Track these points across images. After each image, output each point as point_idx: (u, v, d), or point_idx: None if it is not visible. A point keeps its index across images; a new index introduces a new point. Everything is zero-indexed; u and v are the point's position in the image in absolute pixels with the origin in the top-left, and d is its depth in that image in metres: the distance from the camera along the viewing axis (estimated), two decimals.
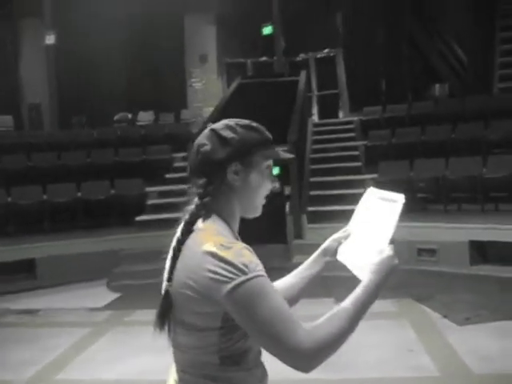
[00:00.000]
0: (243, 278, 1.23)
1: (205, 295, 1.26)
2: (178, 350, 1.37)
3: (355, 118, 11.64)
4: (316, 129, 11.72)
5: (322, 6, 12.22)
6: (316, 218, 8.37)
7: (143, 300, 4.89)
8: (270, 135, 1.44)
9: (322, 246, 1.68)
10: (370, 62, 12.81)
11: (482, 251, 7.22)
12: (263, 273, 1.27)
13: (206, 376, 1.32)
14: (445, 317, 5.37)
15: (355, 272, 1.47)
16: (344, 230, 1.65)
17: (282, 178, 11.70)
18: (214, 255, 1.26)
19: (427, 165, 8.82)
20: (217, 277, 1.24)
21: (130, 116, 12.49)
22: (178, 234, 1.38)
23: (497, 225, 7.18)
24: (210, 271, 1.25)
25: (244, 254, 1.27)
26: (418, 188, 8.69)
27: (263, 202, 1.46)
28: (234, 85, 10.52)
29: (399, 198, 1.47)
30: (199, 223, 1.36)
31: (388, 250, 1.40)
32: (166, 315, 1.33)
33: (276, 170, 11.78)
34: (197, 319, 1.29)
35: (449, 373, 4.18)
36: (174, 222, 1.45)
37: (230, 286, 1.23)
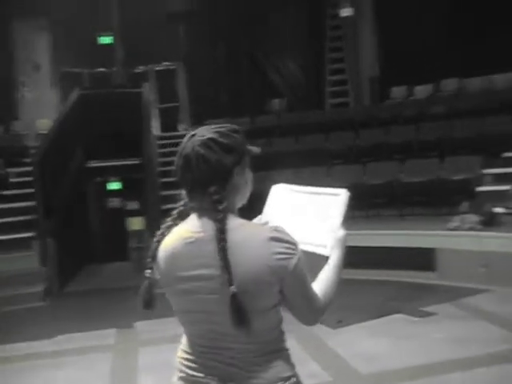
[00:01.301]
0: (299, 251, 1.52)
1: (278, 274, 1.48)
2: (243, 338, 1.48)
3: None
4: (160, 142, 11.48)
5: (163, 17, 12.05)
6: None
7: None
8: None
9: None
10: (211, 75, 12.92)
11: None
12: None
13: (272, 352, 1.54)
14: (321, 323, 5.51)
15: (315, 250, 1.71)
16: (259, 218, 1.80)
17: (123, 193, 11.33)
18: (277, 239, 1.48)
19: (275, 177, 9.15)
20: (284, 256, 1.48)
21: None
22: (214, 240, 1.47)
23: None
24: (279, 253, 1.47)
25: (288, 232, 1.52)
26: None
27: None
28: (73, 96, 9.87)
29: (342, 192, 1.75)
30: (230, 224, 1.49)
31: (342, 230, 1.70)
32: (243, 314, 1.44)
33: (116, 186, 11.37)
34: (269, 300, 1.50)
35: (340, 377, 4.27)
36: None
37: (294, 260, 1.49)
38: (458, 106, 10.43)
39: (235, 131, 1.56)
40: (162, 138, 11.80)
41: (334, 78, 13.13)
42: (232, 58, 13.13)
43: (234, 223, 1.51)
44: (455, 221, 6.82)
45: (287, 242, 1.49)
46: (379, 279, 6.90)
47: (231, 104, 12.67)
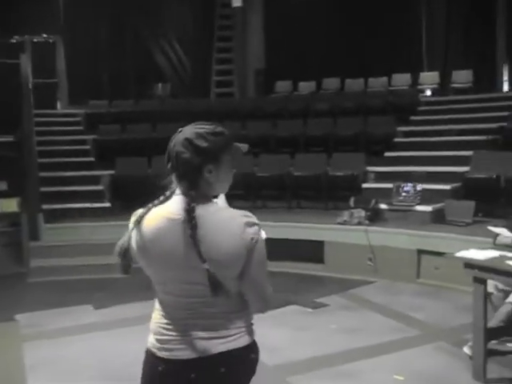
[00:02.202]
0: (262, 233, 1.82)
1: (249, 249, 1.77)
2: (220, 301, 1.80)
3: (79, 111, 10.97)
4: (36, 119, 10.64)
5: None
6: (54, 217, 7.59)
7: None
8: (231, 134, 1.85)
9: None
10: (92, 52, 12.22)
11: None
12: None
13: (242, 309, 1.88)
14: None
15: None
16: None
17: None
18: (249, 223, 1.78)
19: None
20: (254, 236, 1.77)
21: None
22: (186, 220, 1.75)
23: None
24: (251, 233, 1.77)
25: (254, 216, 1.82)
26: (159, 185, 8.60)
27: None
28: None
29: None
30: (209, 209, 1.80)
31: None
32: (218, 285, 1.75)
33: None
34: (236, 271, 1.79)
35: None
36: None
37: (260, 239, 1.79)
38: (341, 105, 10.83)
39: (215, 133, 1.80)
40: (36, 116, 10.98)
41: (221, 67, 13.06)
42: (116, 35, 12.53)
43: (212, 208, 1.81)
44: (344, 215, 7.05)
45: (256, 224, 1.79)
46: (270, 271, 6.93)
47: (113, 85, 12.10)
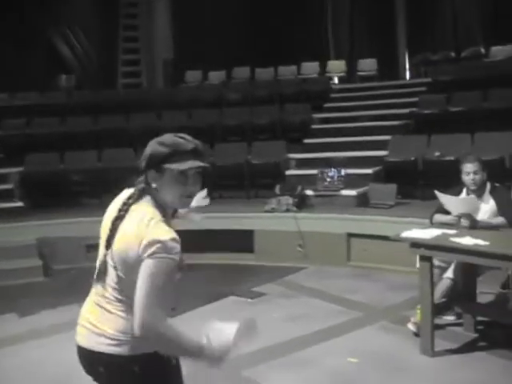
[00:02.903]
0: (169, 257, 1.76)
1: (139, 260, 1.76)
2: (110, 297, 1.87)
3: None
4: None
5: None
6: None
7: None
8: (187, 148, 1.89)
9: None
10: None
11: None
12: (174, 256, 1.77)
13: (126, 317, 1.85)
14: None
15: None
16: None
17: None
18: (151, 236, 1.77)
19: (77, 156, 8.49)
20: (149, 249, 1.75)
21: None
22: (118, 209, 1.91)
23: None
24: (146, 245, 1.75)
25: (163, 232, 1.79)
26: (73, 181, 8.17)
27: (185, 199, 1.95)
28: None
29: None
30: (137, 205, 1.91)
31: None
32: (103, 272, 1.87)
33: None
34: (132, 274, 1.78)
35: (197, 367, 4.05)
36: None
37: (158, 256, 1.75)
38: (254, 93, 10.81)
39: (159, 143, 1.90)
40: None
41: (128, 57, 12.60)
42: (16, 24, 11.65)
43: (141, 206, 1.90)
44: (272, 203, 7.02)
45: (160, 242, 1.75)
46: (200, 263, 6.77)
47: (16, 75, 11.26)
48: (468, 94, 8.57)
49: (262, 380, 3.75)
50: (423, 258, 3.97)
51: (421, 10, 12.08)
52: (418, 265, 4.57)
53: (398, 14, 12.14)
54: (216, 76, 12.38)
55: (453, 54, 11.58)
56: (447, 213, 4.43)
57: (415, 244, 3.99)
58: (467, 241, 3.74)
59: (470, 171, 4.36)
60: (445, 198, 4.33)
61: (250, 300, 5.49)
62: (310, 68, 12.16)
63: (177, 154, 1.88)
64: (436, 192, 4.35)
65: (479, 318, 4.38)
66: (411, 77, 12.40)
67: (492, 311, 4.33)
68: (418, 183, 7.25)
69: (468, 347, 4.10)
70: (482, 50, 11.22)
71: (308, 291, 5.72)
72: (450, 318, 4.55)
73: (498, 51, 10.92)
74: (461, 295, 4.34)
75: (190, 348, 1.80)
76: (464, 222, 4.18)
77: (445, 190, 4.48)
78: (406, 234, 4.12)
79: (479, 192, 4.40)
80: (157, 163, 1.88)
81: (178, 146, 1.89)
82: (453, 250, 3.81)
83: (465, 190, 4.51)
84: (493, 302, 4.64)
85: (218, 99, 10.69)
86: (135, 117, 9.96)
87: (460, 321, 4.47)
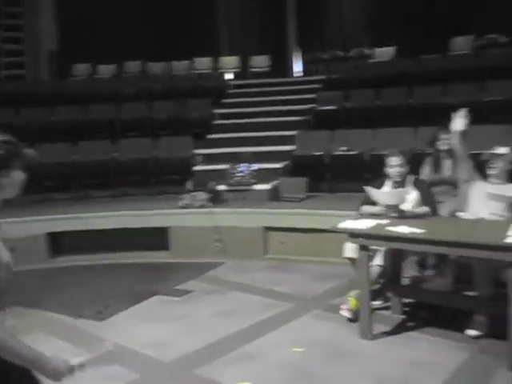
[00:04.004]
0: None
1: None
2: None
3: None
4: None
5: None
6: None
7: None
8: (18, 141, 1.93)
9: None
10: None
11: (57, 243, 6.91)
12: None
13: None
14: (80, 317, 4.93)
15: None
16: None
17: None
18: None
19: None
20: None
21: None
22: None
23: (70, 214, 7.01)
24: None
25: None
26: None
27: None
28: None
29: None
30: None
31: None
32: None
33: None
34: None
35: (147, 370, 3.92)
36: None
37: None
38: (149, 87, 10.58)
39: (4, 142, 1.89)
40: None
41: (10, 47, 11.72)
42: None
43: None
44: (185, 199, 6.94)
45: None
46: (115, 263, 6.55)
47: None
48: (362, 92, 9.06)
49: (215, 376, 3.71)
50: (362, 248, 4.15)
51: (310, 9, 12.54)
52: (345, 254, 4.80)
53: (289, 12, 12.49)
54: (106, 69, 11.95)
55: (341, 54, 12.17)
56: (374, 204, 4.68)
57: (354, 234, 4.16)
58: (404, 229, 3.97)
59: (395, 164, 4.62)
60: (375, 193, 4.55)
61: (176, 298, 5.39)
62: (203, 63, 12.14)
63: (19, 146, 1.94)
64: (366, 187, 4.56)
65: (405, 300, 4.68)
66: (304, 74, 12.83)
67: (418, 292, 4.63)
68: (325, 177, 7.54)
69: (400, 328, 4.36)
70: (367, 51, 11.92)
71: (233, 285, 5.74)
72: (377, 303, 4.80)
73: (382, 52, 11.68)
74: (389, 280, 4.60)
75: (26, 354, 1.77)
76: (392, 213, 4.44)
77: (370, 184, 4.71)
78: (343, 225, 4.29)
79: (402, 184, 4.68)
80: (6, 162, 1.90)
81: (11, 140, 1.93)
82: (392, 239, 4.04)
83: (388, 182, 4.78)
84: (415, 284, 4.98)
85: (111, 93, 10.32)
86: (25, 111, 9.34)
87: (387, 304, 4.74)
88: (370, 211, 4.64)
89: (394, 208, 4.43)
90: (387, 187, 4.76)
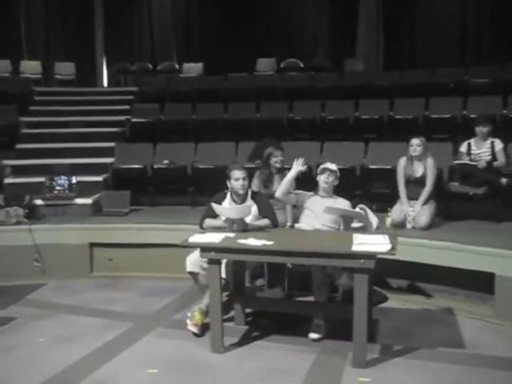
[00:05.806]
0: None
1: None
2: None
3: None
4: None
5: None
6: None
7: None
8: None
9: None
10: None
11: None
12: None
13: None
14: None
15: None
16: None
17: None
18: None
19: None
20: None
21: None
22: None
23: None
24: None
25: None
26: None
27: None
28: None
29: None
30: None
31: None
32: None
33: None
34: None
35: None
36: None
37: None
38: None
39: None
40: None
41: None
42: None
43: None
44: None
45: None
46: None
47: None
48: (178, 105, 9.17)
49: None
50: (212, 262, 4.18)
51: (119, 20, 12.26)
52: (188, 268, 4.80)
53: (97, 20, 12.05)
54: None
55: (150, 66, 12.12)
56: (215, 217, 4.76)
57: (205, 248, 4.17)
58: (256, 242, 4.11)
59: (239, 177, 4.75)
60: (220, 208, 4.63)
61: (0, 328, 4.83)
62: (2, 66, 11.09)
63: None
64: (212, 204, 4.63)
65: (247, 311, 4.82)
66: (110, 84, 12.46)
67: (262, 302, 4.81)
68: (148, 190, 7.42)
69: (247, 339, 4.48)
70: (176, 66, 12.07)
71: (64, 308, 5.32)
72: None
73: (190, 68, 11.95)
74: (234, 292, 4.71)
75: None
76: (236, 226, 4.56)
77: (212, 199, 4.80)
78: (193, 240, 4.28)
79: (244, 197, 4.83)
80: None
81: None
82: (245, 252, 4.13)
83: (228, 196, 4.90)
84: (253, 294, 5.17)
85: None
86: None
87: (229, 315, 4.82)
88: (213, 224, 4.71)
89: (239, 221, 4.55)
90: (227, 200, 4.87)
